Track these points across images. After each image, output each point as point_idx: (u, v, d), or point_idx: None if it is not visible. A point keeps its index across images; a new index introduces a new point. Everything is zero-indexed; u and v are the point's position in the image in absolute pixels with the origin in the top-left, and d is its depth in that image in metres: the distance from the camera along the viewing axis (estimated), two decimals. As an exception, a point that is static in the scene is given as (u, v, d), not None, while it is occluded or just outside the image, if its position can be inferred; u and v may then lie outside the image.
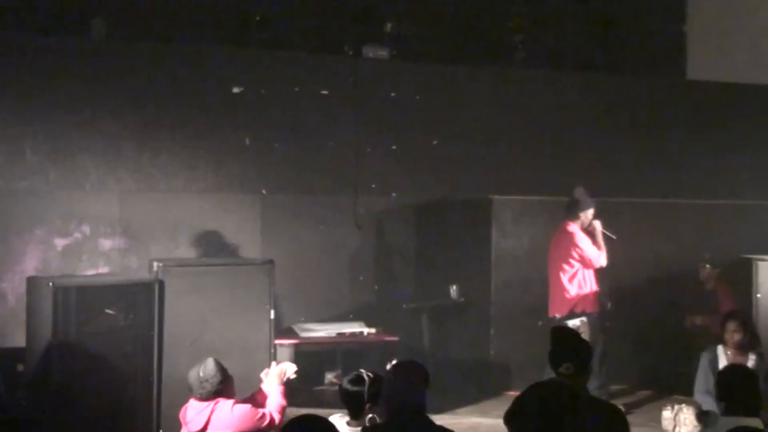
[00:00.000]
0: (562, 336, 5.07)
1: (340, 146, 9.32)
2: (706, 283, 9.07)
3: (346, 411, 4.82)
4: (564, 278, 8.15)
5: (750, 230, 9.47)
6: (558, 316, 8.13)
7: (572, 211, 8.26)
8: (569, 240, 8.18)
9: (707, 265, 9.07)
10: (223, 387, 5.56)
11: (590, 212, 8.27)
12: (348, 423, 4.75)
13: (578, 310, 8.09)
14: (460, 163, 9.71)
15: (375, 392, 4.67)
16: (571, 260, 8.15)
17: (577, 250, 8.13)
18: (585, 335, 7.74)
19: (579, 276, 8.16)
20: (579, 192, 8.28)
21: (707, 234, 9.49)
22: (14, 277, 8.02)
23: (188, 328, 6.84)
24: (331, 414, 4.52)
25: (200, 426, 5.49)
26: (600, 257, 8.19)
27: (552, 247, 8.36)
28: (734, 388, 4.93)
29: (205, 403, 5.52)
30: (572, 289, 8.13)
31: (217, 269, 7.28)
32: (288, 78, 9.19)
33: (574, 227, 8.22)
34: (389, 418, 4.42)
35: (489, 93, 9.97)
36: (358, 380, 4.77)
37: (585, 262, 8.16)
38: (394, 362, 4.90)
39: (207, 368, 5.54)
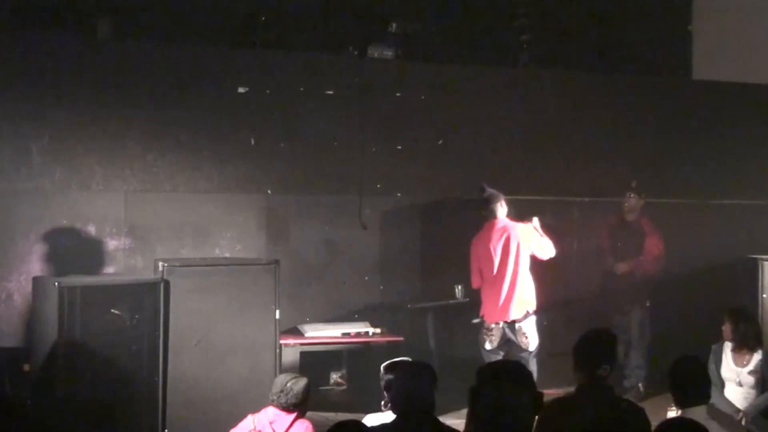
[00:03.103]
0: (600, 338, 5.03)
1: (345, 146, 9.31)
2: (629, 213, 9.05)
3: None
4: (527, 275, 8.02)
5: (753, 230, 9.44)
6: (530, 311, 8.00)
7: (489, 208, 8.16)
8: (510, 236, 8.02)
9: (632, 195, 9.05)
10: (298, 408, 5.53)
11: (502, 203, 8.16)
12: None
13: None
14: (466, 163, 9.69)
15: None
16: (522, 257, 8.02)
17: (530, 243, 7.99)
18: (495, 338, 7.94)
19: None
20: (487, 191, 8.18)
21: (711, 234, 9.46)
22: (20, 277, 8.03)
23: (194, 328, 6.86)
24: (337, 415, 4.52)
25: None
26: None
27: (491, 249, 8.10)
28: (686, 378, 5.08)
29: (285, 414, 5.50)
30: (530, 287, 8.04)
31: (223, 269, 7.30)
32: (293, 78, 9.18)
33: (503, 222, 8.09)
34: (397, 418, 4.43)
35: (495, 93, 9.95)
36: None
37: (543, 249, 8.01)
38: (386, 363, 4.88)
39: (298, 383, 5.53)
